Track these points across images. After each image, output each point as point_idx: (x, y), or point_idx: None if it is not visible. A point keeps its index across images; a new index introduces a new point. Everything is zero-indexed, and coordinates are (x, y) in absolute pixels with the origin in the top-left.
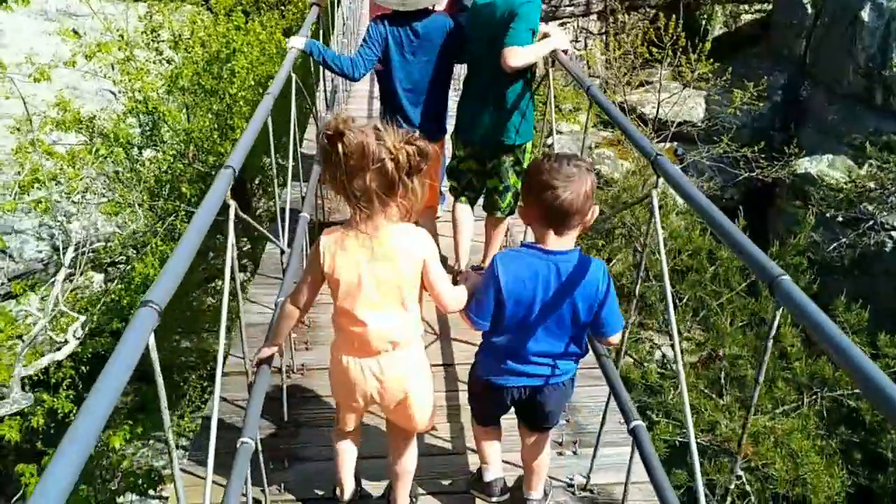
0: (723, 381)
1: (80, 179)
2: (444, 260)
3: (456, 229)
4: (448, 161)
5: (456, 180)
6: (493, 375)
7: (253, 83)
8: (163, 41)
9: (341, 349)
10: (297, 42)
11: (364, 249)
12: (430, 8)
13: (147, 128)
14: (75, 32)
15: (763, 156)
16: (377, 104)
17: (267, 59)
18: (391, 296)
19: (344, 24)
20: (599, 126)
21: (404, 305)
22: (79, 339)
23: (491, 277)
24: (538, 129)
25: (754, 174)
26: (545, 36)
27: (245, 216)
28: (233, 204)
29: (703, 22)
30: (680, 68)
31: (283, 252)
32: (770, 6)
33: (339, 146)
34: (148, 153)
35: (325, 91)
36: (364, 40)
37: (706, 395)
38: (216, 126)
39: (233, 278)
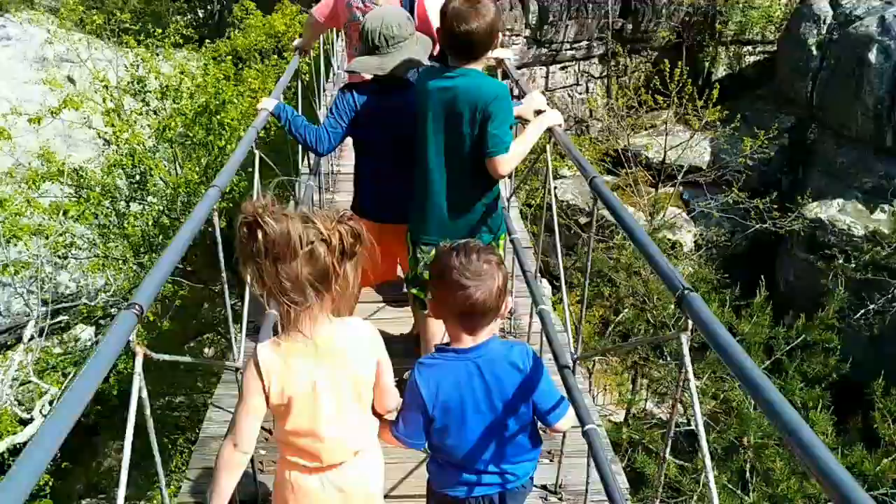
0: (748, 474)
1: (63, 234)
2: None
3: (426, 343)
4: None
5: (419, 289)
6: (447, 488)
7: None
8: (149, 91)
9: (292, 467)
10: (268, 104)
11: (309, 354)
12: (410, 80)
13: (134, 180)
14: (70, 79)
15: (774, 205)
16: None
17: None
18: (349, 399)
19: (334, 74)
20: (602, 171)
21: (363, 407)
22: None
23: (411, 392)
24: (539, 174)
25: (765, 225)
26: (537, 113)
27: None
28: (217, 221)
29: (707, 64)
30: (686, 115)
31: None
32: (774, 47)
33: (260, 234)
34: (135, 206)
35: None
36: (330, 111)
37: (729, 489)
38: (205, 180)
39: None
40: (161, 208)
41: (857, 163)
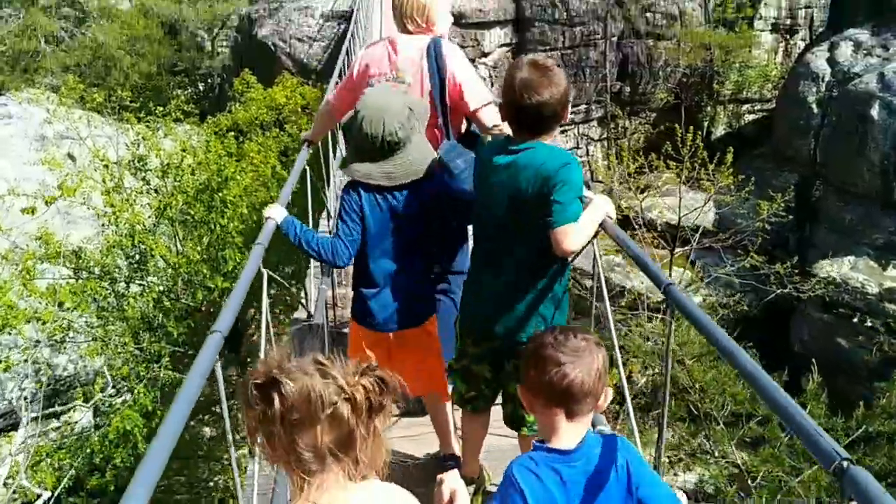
0: None
1: (57, 322)
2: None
3: (466, 447)
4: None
5: (464, 384)
6: None
7: (246, 211)
8: (150, 170)
9: None
10: (275, 213)
11: None
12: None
13: (134, 260)
14: (71, 157)
15: (795, 269)
16: None
17: (261, 184)
18: None
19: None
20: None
21: None
22: None
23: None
24: None
25: (786, 290)
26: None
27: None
28: (219, 371)
29: (706, 124)
30: (699, 179)
31: None
32: (771, 105)
33: (277, 398)
34: (135, 287)
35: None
36: (340, 216)
37: None
38: (206, 258)
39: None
40: (162, 289)
41: (864, 219)
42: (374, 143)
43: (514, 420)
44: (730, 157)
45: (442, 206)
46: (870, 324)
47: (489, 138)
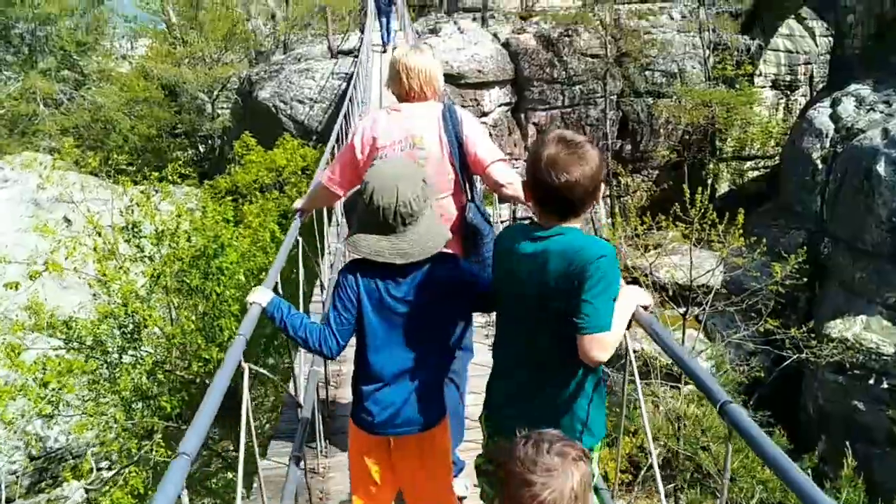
0: None
1: (45, 399)
2: None
3: None
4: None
5: (488, 483)
6: None
7: (243, 279)
8: (144, 237)
9: None
10: (260, 297)
11: None
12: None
13: (127, 330)
14: (67, 220)
15: (811, 334)
16: None
17: (259, 249)
18: None
19: (338, 224)
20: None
21: None
22: None
23: None
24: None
25: (802, 355)
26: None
27: None
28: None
29: (710, 181)
30: (708, 239)
31: None
32: (774, 161)
33: None
34: (127, 358)
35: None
36: (333, 302)
37: None
38: (201, 327)
39: None
40: (156, 359)
41: (875, 276)
42: (387, 215)
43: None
44: (741, 218)
45: (456, 292)
46: (886, 385)
47: (503, 215)
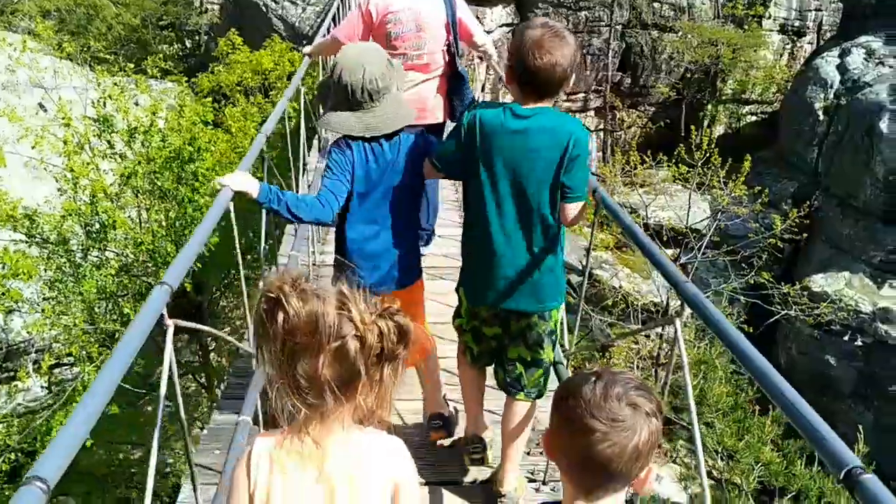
0: None
1: (4, 293)
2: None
3: (468, 395)
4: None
5: (476, 345)
6: None
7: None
8: (115, 132)
9: None
10: (240, 183)
11: (311, 466)
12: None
13: (93, 230)
14: (42, 107)
15: (794, 289)
16: None
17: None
18: None
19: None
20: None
21: None
22: None
23: None
24: None
25: (790, 312)
26: None
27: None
28: (170, 325)
29: (706, 122)
30: (710, 185)
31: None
32: (772, 108)
33: (280, 316)
34: (92, 258)
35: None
36: (328, 169)
37: None
38: (171, 237)
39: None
40: (122, 262)
41: (864, 235)
42: (355, 91)
43: (509, 383)
44: (747, 164)
45: (421, 162)
46: (860, 342)
47: (479, 96)
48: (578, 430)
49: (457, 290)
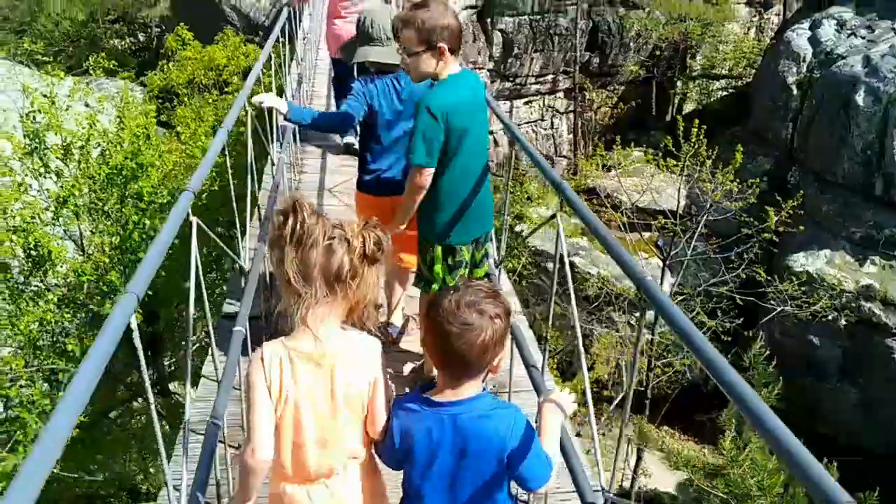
0: None
1: None
2: None
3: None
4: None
5: (452, 278)
6: None
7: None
8: (47, 149)
9: (283, 478)
10: (275, 102)
11: (311, 358)
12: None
13: (27, 263)
14: None
15: (774, 280)
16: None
17: (187, 168)
18: (341, 412)
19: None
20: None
21: (355, 419)
22: None
23: (390, 426)
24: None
25: (769, 301)
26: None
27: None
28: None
29: (678, 100)
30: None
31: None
32: (742, 82)
33: (292, 220)
34: (32, 288)
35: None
36: (352, 95)
37: None
38: (117, 262)
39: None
40: (61, 295)
41: (843, 211)
42: (375, 32)
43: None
44: (739, 156)
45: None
46: (844, 322)
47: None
48: (439, 333)
49: (431, 245)
